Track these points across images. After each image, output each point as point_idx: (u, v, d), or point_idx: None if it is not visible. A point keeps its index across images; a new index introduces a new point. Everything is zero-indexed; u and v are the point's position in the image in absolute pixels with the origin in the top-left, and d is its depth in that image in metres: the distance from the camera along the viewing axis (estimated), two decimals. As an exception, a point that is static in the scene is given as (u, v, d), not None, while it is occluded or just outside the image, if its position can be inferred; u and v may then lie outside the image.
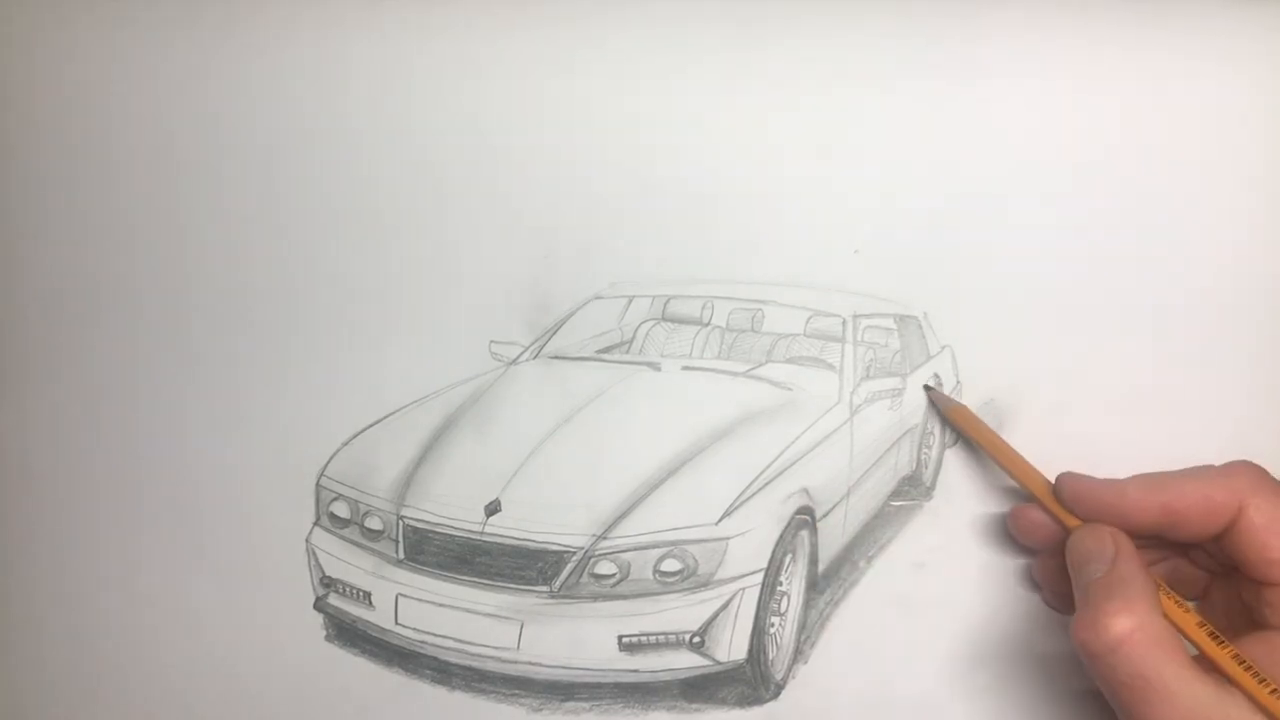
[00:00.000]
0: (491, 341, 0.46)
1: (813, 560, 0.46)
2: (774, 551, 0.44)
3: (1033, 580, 0.45)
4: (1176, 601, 0.38)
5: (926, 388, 0.45)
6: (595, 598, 0.44)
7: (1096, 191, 0.45)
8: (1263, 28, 0.45)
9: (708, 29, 0.45)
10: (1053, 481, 0.42)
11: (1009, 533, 0.45)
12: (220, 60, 0.45)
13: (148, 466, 0.46)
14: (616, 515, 0.44)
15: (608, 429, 0.45)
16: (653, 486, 0.44)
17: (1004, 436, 0.45)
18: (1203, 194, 0.45)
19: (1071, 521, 0.41)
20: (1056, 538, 0.42)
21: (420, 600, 0.45)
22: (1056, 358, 0.45)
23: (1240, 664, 0.36)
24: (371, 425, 0.46)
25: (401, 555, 0.45)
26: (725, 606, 0.43)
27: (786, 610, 0.46)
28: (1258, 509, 0.38)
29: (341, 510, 0.46)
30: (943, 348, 0.46)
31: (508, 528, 0.44)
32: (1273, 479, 0.39)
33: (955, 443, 0.46)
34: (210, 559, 0.46)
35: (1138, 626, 0.35)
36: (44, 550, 0.47)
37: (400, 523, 0.45)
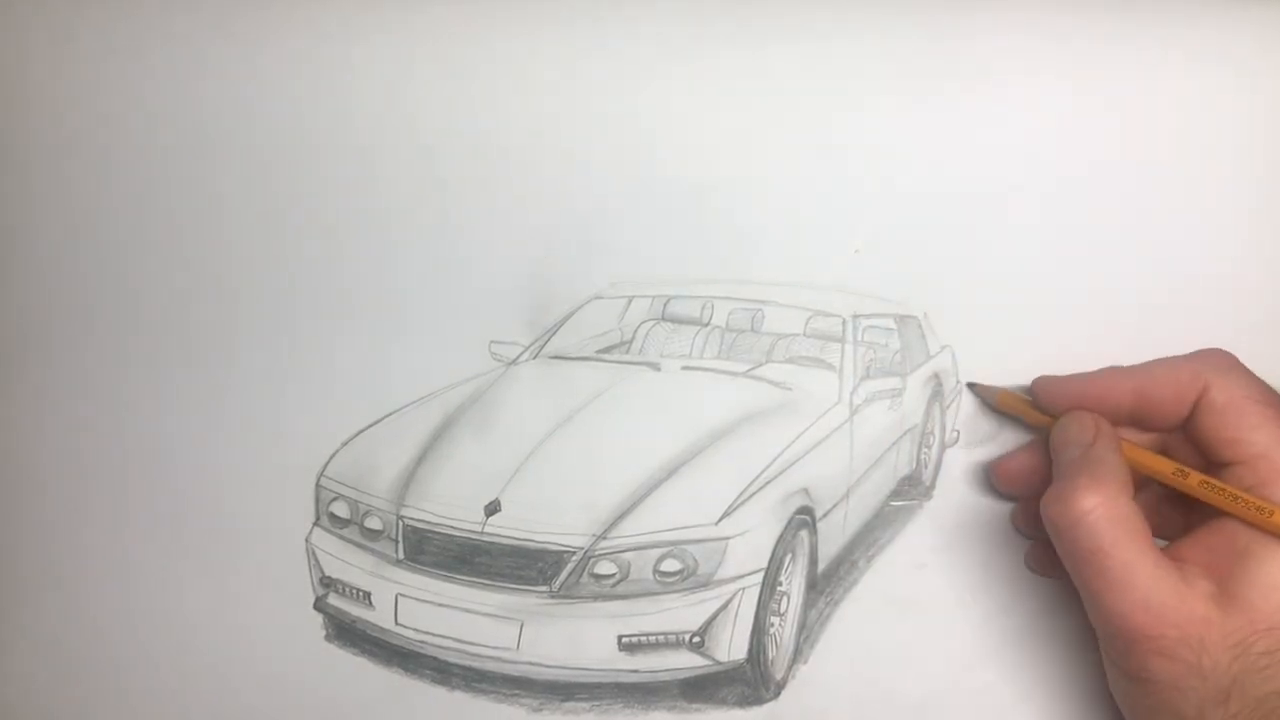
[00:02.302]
0: (491, 341, 0.46)
1: (813, 560, 0.46)
2: (774, 551, 0.44)
3: (1026, 564, 0.45)
4: (1187, 475, 0.39)
5: (970, 385, 0.45)
6: (595, 598, 0.44)
7: (1097, 191, 0.45)
8: (1263, 28, 0.45)
9: (708, 29, 0.45)
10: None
11: (989, 481, 0.45)
12: (219, 60, 0.45)
13: (147, 466, 0.46)
14: (616, 515, 0.44)
15: (608, 429, 0.45)
16: (653, 486, 0.44)
17: (1004, 437, 0.45)
18: (1203, 194, 0.45)
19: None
20: (1038, 482, 0.42)
21: (420, 600, 0.45)
22: (1057, 358, 0.45)
23: (1222, 490, 0.37)
24: (371, 425, 0.46)
25: (401, 555, 0.45)
26: (725, 606, 0.43)
27: (786, 610, 0.46)
28: (1220, 389, 0.39)
29: (341, 510, 0.46)
30: (943, 348, 0.46)
31: (507, 528, 0.44)
32: (1240, 365, 0.40)
33: (955, 443, 0.46)
34: (210, 559, 0.46)
35: (1103, 502, 0.36)
36: (43, 550, 0.47)
37: (400, 523, 0.45)
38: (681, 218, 0.45)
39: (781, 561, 0.45)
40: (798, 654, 0.45)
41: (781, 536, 0.44)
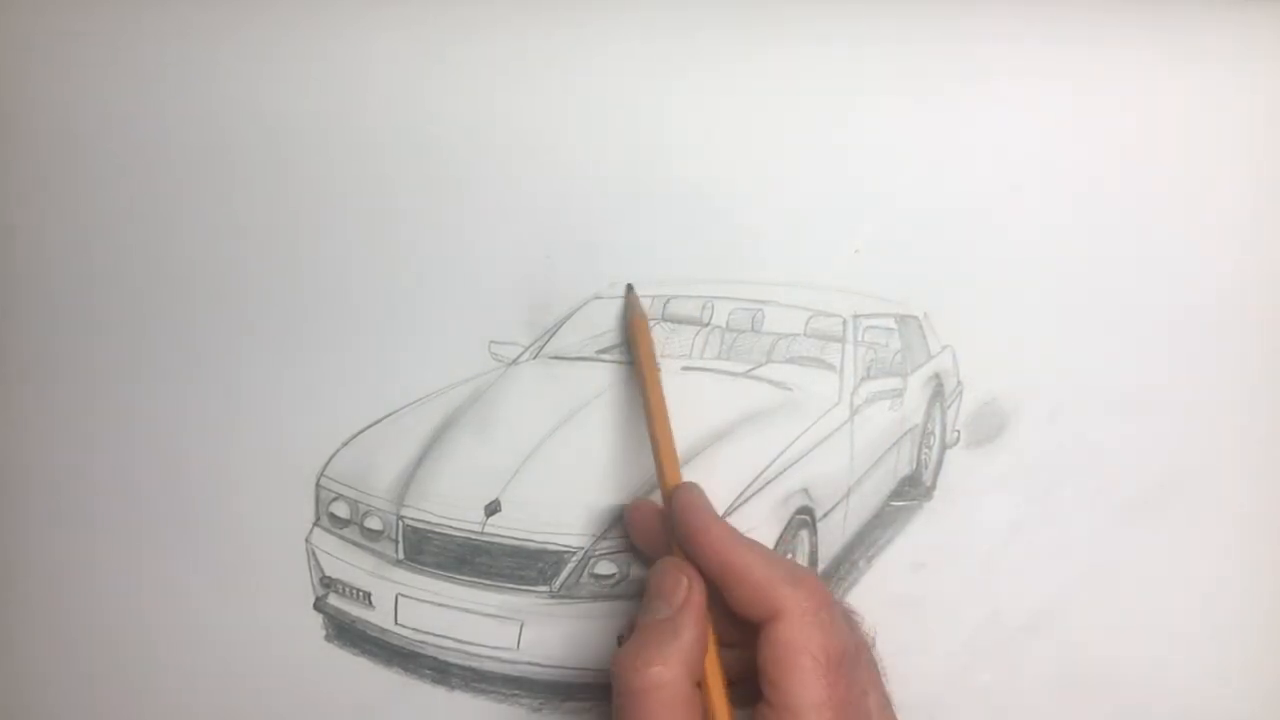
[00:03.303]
0: (491, 341, 0.46)
1: (813, 560, 0.46)
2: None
3: None
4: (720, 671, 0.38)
5: (629, 287, 0.45)
6: (595, 598, 0.44)
7: (1097, 191, 0.45)
8: (1263, 28, 0.45)
9: (708, 29, 0.45)
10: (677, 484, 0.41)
11: (626, 529, 0.44)
12: (222, 61, 0.45)
13: (147, 466, 0.46)
14: (617, 515, 0.44)
15: (608, 429, 0.45)
16: (653, 487, 0.44)
17: (1004, 437, 0.45)
18: (1204, 194, 0.45)
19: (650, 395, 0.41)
20: (658, 545, 0.42)
21: (420, 600, 0.45)
22: (1057, 358, 0.45)
23: None
24: (371, 425, 0.46)
25: (401, 555, 0.45)
26: (725, 607, 0.43)
27: (786, 610, 0.46)
28: (786, 626, 0.37)
29: (341, 510, 0.46)
30: (943, 348, 0.46)
31: (507, 528, 0.44)
32: (834, 609, 0.37)
33: (956, 443, 0.46)
34: (210, 559, 0.46)
35: (669, 684, 0.36)
36: (43, 550, 0.47)
37: (400, 523, 0.45)
38: (682, 218, 0.45)
39: (781, 561, 0.45)
40: (798, 654, 0.45)
41: (782, 536, 0.44)
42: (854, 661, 0.37)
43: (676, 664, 0.36)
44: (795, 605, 0.37)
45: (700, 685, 0.37)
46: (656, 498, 0.42)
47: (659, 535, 0.42)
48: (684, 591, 0.38)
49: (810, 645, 0.36)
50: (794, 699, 0.36)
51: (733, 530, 0.39)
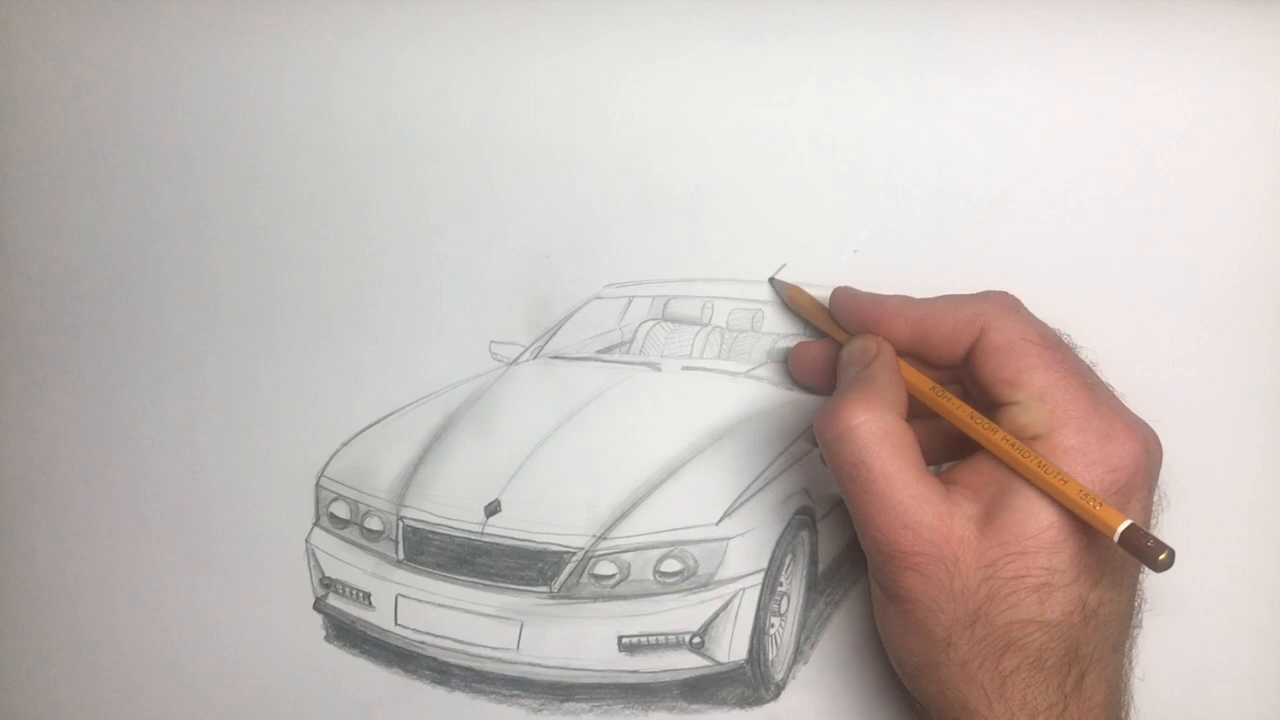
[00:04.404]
0: (491, 341, 0.46)
1: (813, 560, 0.46)
2: (774, 552, 0.44)
3: None
4: (944, 395, 0.39)
5: (770, 280, 0.45)
6: (595, 598, 0.44)
7: (1098, 191, 0.45)
8: (1265, 26, 0.45)
9: (706, 27, 0.45)
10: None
11: (790, 373, 0.45)
12: (219, 59, 0.45)
13: (146, 467, 0.46)
14: (617, 515, 0.44)
15: (608, 429, 0.45)
16: (653, 487, 0.44)
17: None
18: (1205, 194, 0.45)
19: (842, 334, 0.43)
20: (830, 375, 0.43)
21: (420, 601, 0.45)
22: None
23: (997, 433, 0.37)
24: (371, 425, 0.46)
25: (401, 556, 0.45)
26: (725, 607, 0.43)
27: (787, 611, 0.46)
28: (998, 330, 0.38)
29: (341, 510, 0.46)
30: (943, 348, 0.46)
31: (507, 528, 0.44)
32: (1022, 307, 0.39)
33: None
34: (209, 559, 0.46)
35: (870, 419, 0.36)
36: (42, 550, 0.47)
37: (400, 523, 0.45)
38: (681, 217, 0.45)
39: (782, 562, 0.45)
40: (798, 654, 0.45)
41: (782, 537, 0.44)
42: (1068, 344, 0.39)
43: (877, 400, 0.37)
44: (997, 309, 0.39)
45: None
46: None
47: (824, 366, 0.43)
48: (874, 349, 0.40)
49: (1028, 334, 0.38)
50: (1035, 384, 0.37)
51: (900, 295, 0.41)
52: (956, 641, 0.36)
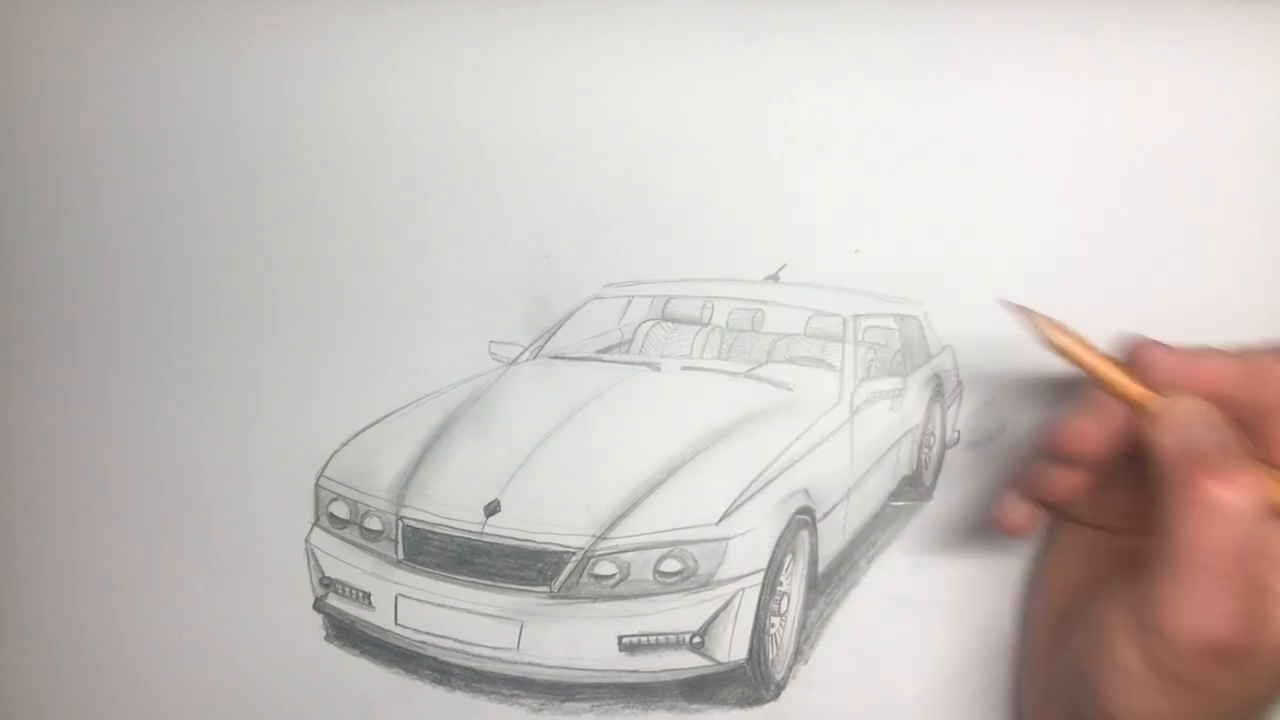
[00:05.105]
0: (491, 341, 0.46)
1: (813, 560, 0.46)
2: (774, 552, 0.44)
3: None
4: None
5: (1020, 308, 0.37)
6: (595, 598, 0.44)
7: (1098, 191, 0.45)
8: (1265, 26, 0.45)
9: (707, 27, 0.45)
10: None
11: (1055, 454, 0.38)
12: (219, 59, 0.45)
13: (146, 467, 0.46)
14: (616, 515, 0.44)
15: (608, 429, 0.45)
16: (653, 487, 0.44)
17: (1004, 437, 0.45)
18: (1206, 194, 0.45)
19: (1151, 401, 0.35)
20: (1102, 451, 0.37)
21: (420, 600, 0.45)
22: (1057, 358, 0.45)
23: None
24: (371, 425, 0.46)
25: (401, 555, 0.45)
26: (725, 607, 0.43)
27: (786, 610, 0.46)
28: None
29: (341, 510, 0.46)
30: (943, 348, 0.46)
31: (507, 528, 0.44)
32: None
33: (956, 443, 0.46)
34: (210, 559, 0.46)
35: (1260, 504, 0.32)
36: (42, 550, 0.47)
37: (399, 523, 0.45)
38: (681, 217, 0.45)
39: (782, 562, 0.45)
40: (798, 654, 0.45)
41: (782, 537, 0.44)
42: None
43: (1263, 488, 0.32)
44: None
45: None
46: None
47: (1102, 438, 0.37)
48: (1220, 420, 0.34)
49: None
50: None
51: (1211, 349, 0.36)
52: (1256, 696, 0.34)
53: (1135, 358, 0.36)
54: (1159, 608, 0.33)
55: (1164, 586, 0.33)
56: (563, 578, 0.44)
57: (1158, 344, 0.36)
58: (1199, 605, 0.32)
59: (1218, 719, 0.34)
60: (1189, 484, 0.33)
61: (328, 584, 0.46)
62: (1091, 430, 0.37)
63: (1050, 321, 0.37)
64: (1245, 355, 0.36)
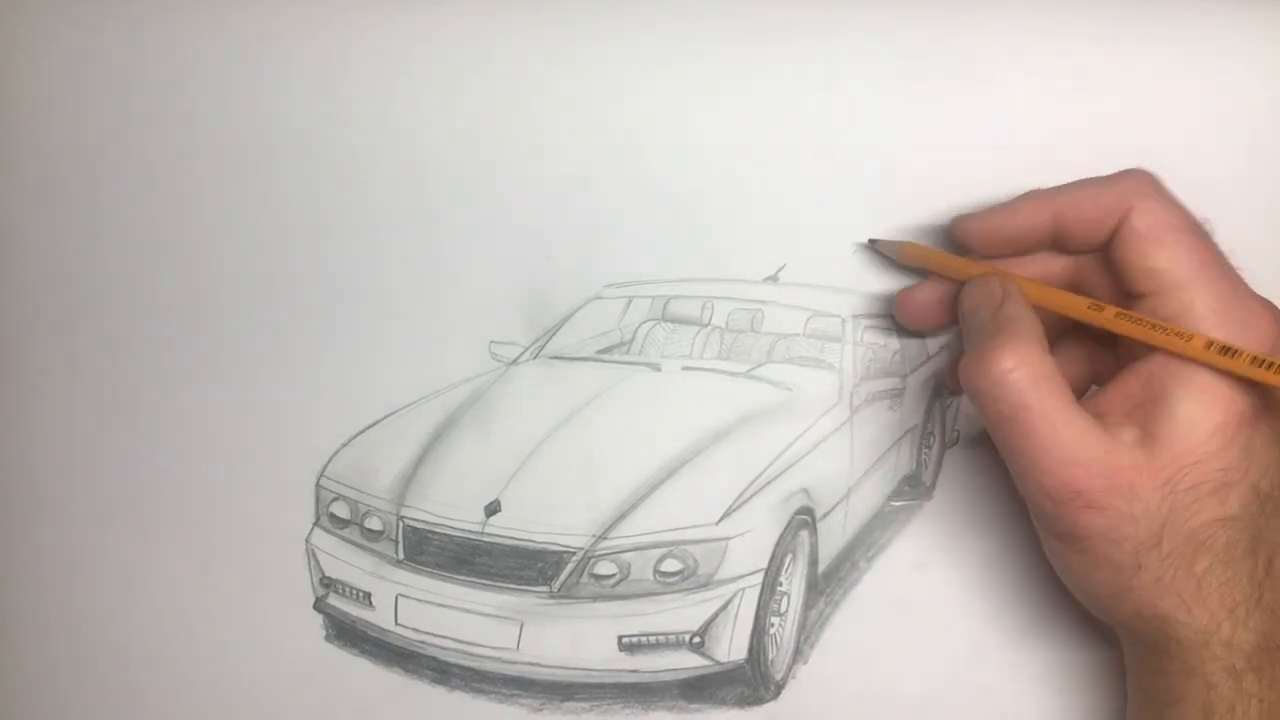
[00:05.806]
0: (491, 341, 0.46)
1: (813, 560, 0.46)
2: (774, 552, 0.44)
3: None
4: (1100, 308, 0.38)
5: (871, 241, 0.44)
6: (595, 598, 0.44)
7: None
8: (1265, 27, 0.45)
9: (707, 28, 0.45)
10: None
11: (899, 323, 0.44)
12: (219, 59, 0.45)
13: (146, 467, 0.46)
14: (616, 515, 0.44)
15: (608, 429, 0.45)
16: (653, 487, 0.44)
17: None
18: (1206, 194, 0.45)
19: (967, 271, 0.41)
20: (942, 315, 0.42)
21: (420, 600, 0.45)
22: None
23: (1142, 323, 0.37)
24: (371, 425, 0.46)
25: (401, 555, 0.45)
26: (725, 607, 0.43)
27: (786, 610, 0.46)
28: (1141, 213, 0.37)
29: (341, 510, 0.46)
30: (942, 348, 0.46)
31: (508, 528, 0.44)
32: (1165, 189, 0.39)
33: (955, 443, 0.46)
34: (210, 559, 0.46)
35: (1022, 361, 0.35)
36: (42, 550, 0.47)
37: (400, 523, 0.45)
38: (681, 217, 0.45)
39: (782, 562, 0.45)
40: (798, 654, 0.45)
41: (782, 537, 0.44)
42: (1204, 228, 0.38)
43: (1025, 341, 0.36)
44: (1140, 190, 0.38)
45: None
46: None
47: (938, 308, 0.42)
48: (999, 289, 0.38)
49: (1173, 219, 0.37)
50: (1178, 270, 0.37)
51: (1029, 193, 0.40)
52: (1146, 563, 0.36)
53: (952, 233, 0.41)
54: (1014, 474, 0.38)
55: (1004, 453, 0.37)
56: (563, 578, 0.44)
57: (970, 215, 0.41)
58: (1026, 464, 0.36)
59: (1112, 571, 0.36)
60: (967, 352, 0.37)
61: (328, 584, 0.46)
62: (927, 296, 0.43)
63: (902, 243, 0.44)
64: (1062, 189, 0.39)
